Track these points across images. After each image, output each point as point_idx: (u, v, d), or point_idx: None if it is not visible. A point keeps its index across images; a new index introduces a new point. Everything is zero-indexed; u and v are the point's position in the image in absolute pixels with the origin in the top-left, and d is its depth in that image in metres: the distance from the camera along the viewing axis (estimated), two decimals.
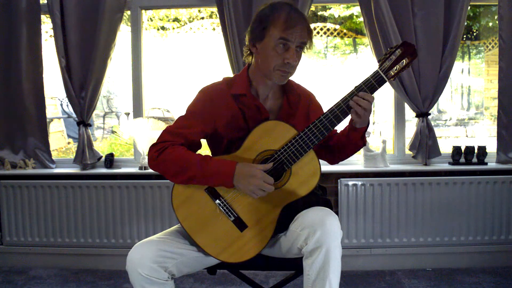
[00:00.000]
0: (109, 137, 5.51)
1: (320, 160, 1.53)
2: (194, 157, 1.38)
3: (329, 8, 5.16)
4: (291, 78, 1.58)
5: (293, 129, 1.41)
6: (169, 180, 1.43)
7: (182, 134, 1.45)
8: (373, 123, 4.82)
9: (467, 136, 5.55)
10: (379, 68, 1.39)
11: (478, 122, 5.72)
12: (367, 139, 1.56)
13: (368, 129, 1.54)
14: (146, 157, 2.74)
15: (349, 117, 1.42)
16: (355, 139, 1.50)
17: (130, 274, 1.32)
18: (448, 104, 5.79)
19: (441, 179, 2.61)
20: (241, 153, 1.42)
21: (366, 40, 2.71)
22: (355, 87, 1.39)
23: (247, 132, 1.44)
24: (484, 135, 5.41)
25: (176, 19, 5.53)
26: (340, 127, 1.57)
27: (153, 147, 1.44)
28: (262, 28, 1.40)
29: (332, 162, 1.66)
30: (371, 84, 1.38)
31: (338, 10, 5.20)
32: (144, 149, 2.74)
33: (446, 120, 5.77)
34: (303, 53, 1.45)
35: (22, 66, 2.76)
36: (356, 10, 4.85)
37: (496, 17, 2.69)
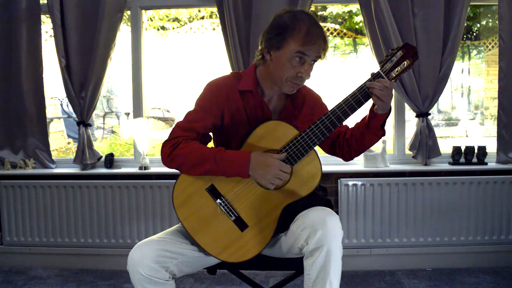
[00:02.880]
0: (109, 137, 5.50)
1: (327, 158, 1.53)
2: (208, 150, 1.39)
3: (328, 7, 5.16)
4: None
5: (294, 130, 1.41)
6: (184, 173, 1.43)
7: (194, 128, 1.45)
8: None
9: (467, 136, 5.55)
10: (380, 69, 1.39)
11: (478, 122, 5.72)
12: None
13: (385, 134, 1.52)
14: (146, 157, 2.75)
15: (349, 117, 1.42)
16: (375, 127, 1.47)
17: (131, 274, 1.32)
18: (448, 104, 5.79)
19: (441, 179, 2.61)
20: None
21: (366, 40, 2.71)
22: (357, 87, 1.39)
23: (248, 129, 1.44)
24: (483, 135, 5.41)
25: (176, 19, 5.53)
26: (356, 119, 1.56)
27: (166, 144, 1.43)
28: (281, 38, 1.38)
29: (348, 157, 1.60)
30: None
31: (336, 8, 5.20)
32: (144, 149, 2.74)
33: (446, 120, 5.77)
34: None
35: (22, 66, 2.76)
36: (355, 7, 4.84)
37: (496, 17, 2.69)
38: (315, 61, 1.42)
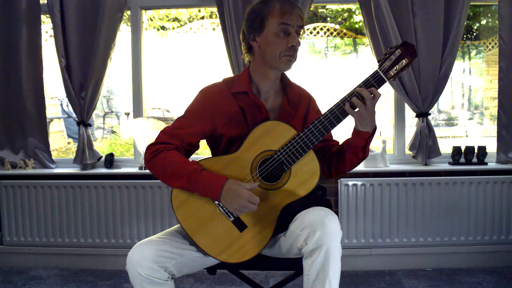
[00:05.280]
0: (109, 137, 5.51)
1: None
2: (185, 167, 1.38)
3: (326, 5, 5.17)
4: (291, 79, 1.59)
5: (292, 130, 1.41)
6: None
7: (179, 135, 1.45)
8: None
9: (467, 136, 5.55)
10: (379, 68, 1.39)
11: (478, 122, 5.72)
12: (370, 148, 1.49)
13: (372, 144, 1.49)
14: None
15: (349, 118, 1.42)
16: (356, 146, 1.45)
17: (130, 274, 1.32)
18: (448, 104, 5.79)
19: (441, 179, 2.61)
20: (241, 154, 1.42)
21: (366, 40, 2.71)
22: (355, 87, 1.39)
23: (247, 131, 1.44)
24: (483, 135, 5.41)
25: (176, 19, 5.53)
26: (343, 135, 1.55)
27: (148, 148, 1.44)
28: (260, 20, 1.43)
29: (327, 173, 1.58)
30: (371, 84, 1.38)
31: (335, 5, 5.22)
32: (144, 149, 2.74)
33: (446, 120, 5.77)
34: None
35: (22, 66, 2.76)
36: (354, 5, 4.84)
37: (496, 17, 2.69)
38: (298, 33, 1.45)
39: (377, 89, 1.38)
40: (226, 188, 1.34)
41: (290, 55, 1.44)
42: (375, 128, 1.44)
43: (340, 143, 1.57)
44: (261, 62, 1.49)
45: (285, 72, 1.56)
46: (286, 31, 1.41)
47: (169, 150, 1.42)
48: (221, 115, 1.48)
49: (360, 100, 1.35)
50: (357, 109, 1.37)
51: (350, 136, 1.49)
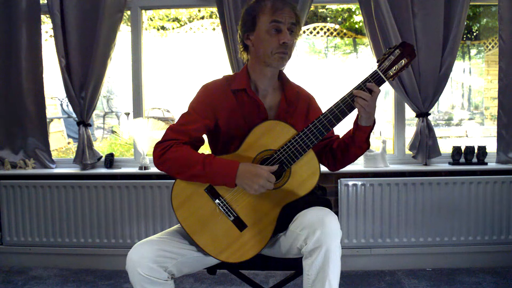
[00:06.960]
0: (109, 137, 5.51)
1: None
2: (197, 156, 1.39)
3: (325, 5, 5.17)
4: (291, 79, 1.60)
5: (292, 129, 1.41)
6: (173, 177, 1.43)
7: (186, 131, 1.46)
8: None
9: (467, 136, 5.55)
10: (378, 68, 1.39)
11: (478, 122, 5.72)
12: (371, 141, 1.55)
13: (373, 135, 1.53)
14: (146, 157, 2.75)
15: (348, 117, 1.42)
16: (360, 140, 1.48)
17: (130, 274, 1.32)
18: (448, 104, 5.79)
19: (441, 179, 2.61)
20: (241, 153, 1.42)
21: (366, 40, 2.71)
22: (355, 87, 1.39)
23: (246, 128, 1.45)
24: (483, 135, 5.41)
25: (176, 19, 5.53)
26: (343, 130, 1.56)
27: (157, 146, 1.44)
28: (252, 18, 1.45)
29: (333, 167, 1.61)
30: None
31: (335, 5, 5.22)
32: (144, 149, 2.74)
33: (446, 120, 5.77)
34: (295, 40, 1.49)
35: (22, 66, 2.76)
36: (354, 5, 4.84)
37: (496, 17, 2.69)
38: (292, 31, 1.45)
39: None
40: (242, 170, 1.34)
41: (282, 52, 1.45)
42: (374, 121, 1.46)
43: (340, 137, 1.59)
44: (256, 60, 1.51)
45: (284, 71, 1.57)
46: (277, 29, 1.43)
47: (179, 144, 1.43)
48: (222, 110, 1.50)
49: (362, 101, 1.36)
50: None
51: (349, 131, 1.52)
